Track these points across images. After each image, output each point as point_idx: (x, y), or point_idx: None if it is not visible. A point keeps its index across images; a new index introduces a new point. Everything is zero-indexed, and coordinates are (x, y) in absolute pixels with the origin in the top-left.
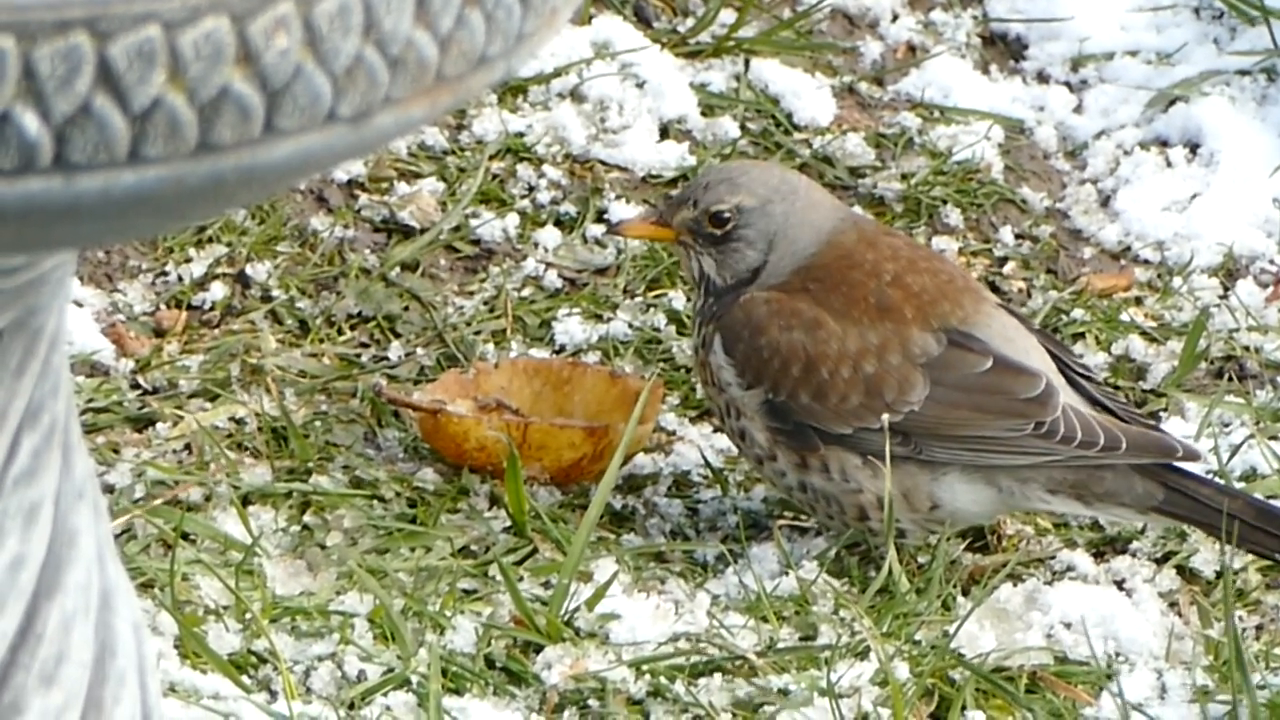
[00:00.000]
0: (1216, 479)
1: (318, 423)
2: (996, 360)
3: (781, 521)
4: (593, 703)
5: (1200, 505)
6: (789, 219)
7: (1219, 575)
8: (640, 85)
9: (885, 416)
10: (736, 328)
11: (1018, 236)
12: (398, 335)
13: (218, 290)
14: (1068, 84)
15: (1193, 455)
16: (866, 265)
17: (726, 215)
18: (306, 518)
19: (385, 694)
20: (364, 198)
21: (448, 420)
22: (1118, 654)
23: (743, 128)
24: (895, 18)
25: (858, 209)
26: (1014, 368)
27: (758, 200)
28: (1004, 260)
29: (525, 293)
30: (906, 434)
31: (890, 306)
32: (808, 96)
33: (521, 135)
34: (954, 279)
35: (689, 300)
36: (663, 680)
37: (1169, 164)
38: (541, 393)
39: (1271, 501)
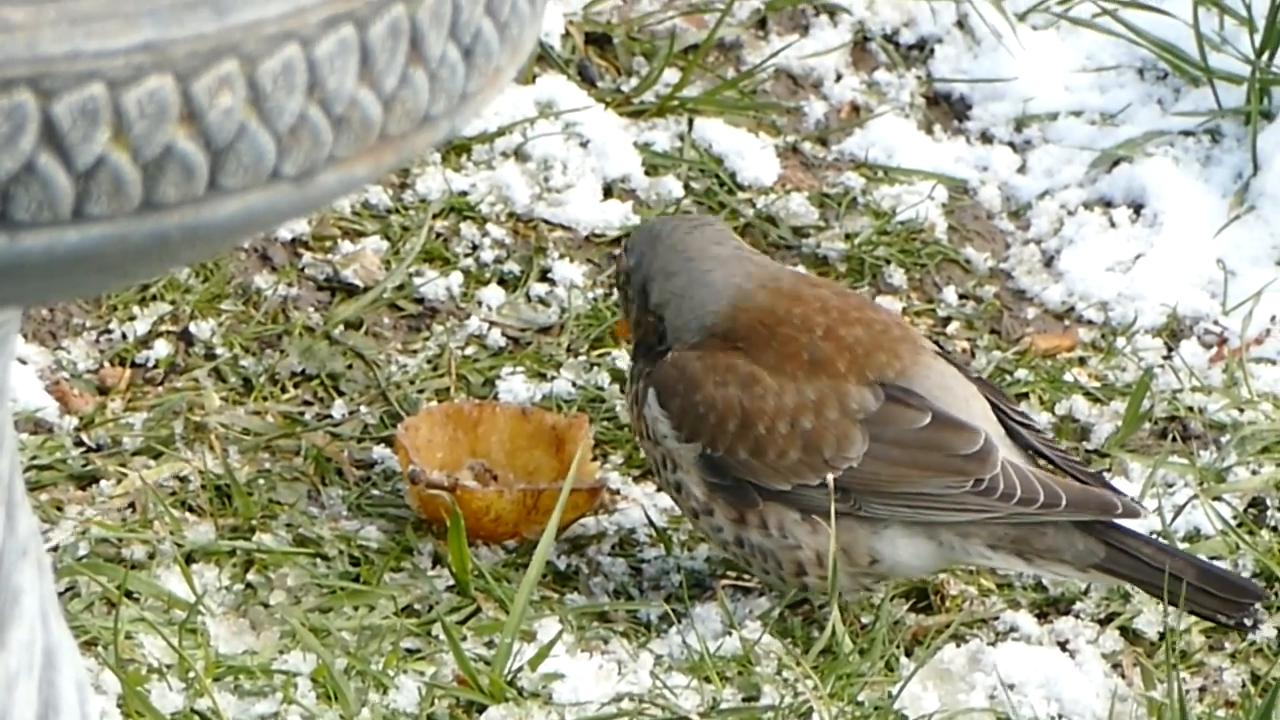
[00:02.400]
0: (1159, 538)
1: (261, 481)
2: (935, 415)
3: (725, 581)
4: None
5: (1141, 564)
6: (672, 280)
7: (1162, 637)
8: (584, 144)
9: (830, 477)
10: (670, 382)
11: (961, 296)
12: (341, 393)
13: (161, 348)
14: (1011, 144)
15: (1133, 512)
16: (795, 320)
17: (620, 273)
18: (250, 576)
19: None
20: (307, 256)
21: (470, 496)
22: (1061, 715)
23: (686, 187)
24: (839, 78)
25: (801, 268)
26: (952, 423)
27: (635, 260)
28: (948, 320)
29: (469, 351)
30: (846, 490)
31: (823, 360)
32: (751, 156)
33: (465, 194)
34: (889, 328)
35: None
36: None
37: (1113, 224)
38: (456, 438)
39: (1213, 562)
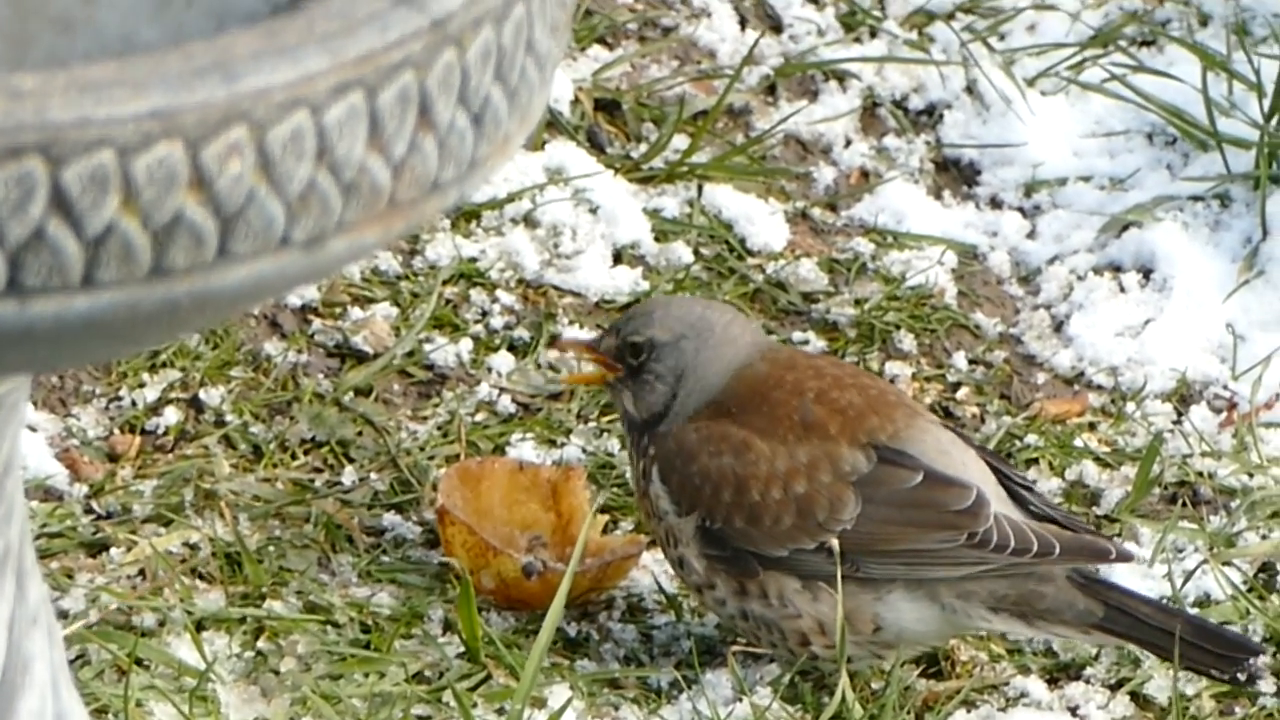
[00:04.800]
0: (1167, 601)
1: (271, 548)
2: (927, 474)
3: (736, 647)
4: None
5: (1139, 622)
6: (699, 355)
7: (1173, 702)
8: (593, 210)
9: (835, 544)
10: (670, 457)
11: (971, 362)
12: (351, 460)
13: (171, 415)
14: (1021, 209)
15: (1125, 556)
16: (787, 385)
17: (641, 347)
18: (260, 643)
19: None
20: (317, 322)
21: (558, 577)
22: None
23: (696, 253)
24: (848, 143)
25: (810, 334)
26: (944, 480)
27: (671, 335)
28: (957, 386)
29: (479, 418)
30: (842, 552)
31: (815, 423)
32: (761, 222)
33: (475, 260)
34: (884, 394)
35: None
36: None
37: (1122, 289)
38: (467, 497)
39: (1209, 619)
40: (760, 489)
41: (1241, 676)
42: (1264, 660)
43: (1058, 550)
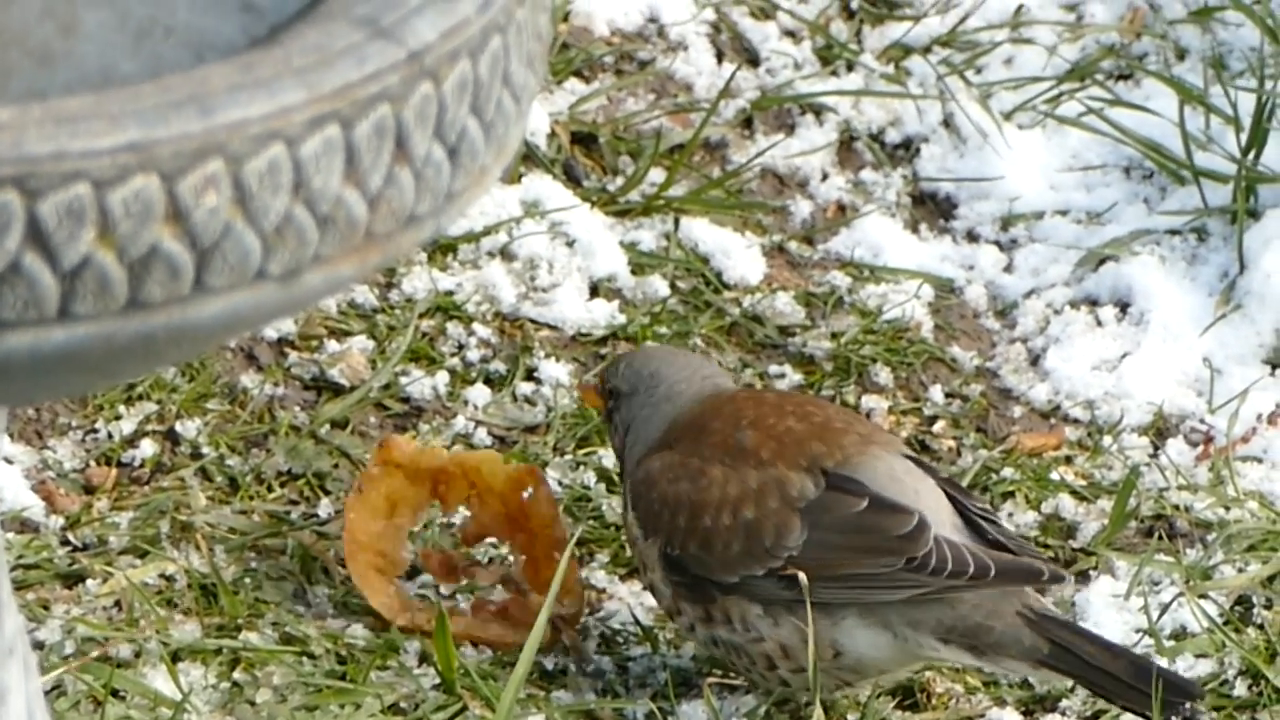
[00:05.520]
0: (1138, 632)
1: (247, 579)
2: (872, 500)
3: (711, 679)
4: None
5: (1082, 661)
6: (642, 410)
7: None
8: (570, 244)
9: (804, 577)
10: (638, 485)
11: (947, 395)
12: (327, 492)
13: (147, 447)
14: (998, 243)
15: (1057, 578)
16: (725, 414)
17: (610, 394)
18: (236, 674)
19: None
20: (294, 355)
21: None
22: None
23: (672, 286)
24: (825, 177)
25: (787, 367)
26: (889, 506)
27: (628, 388)
28: (934, 419)
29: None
30: (792, 578)
31: (747, 448)
32: (737, 255)
33: (451, 293)
34: (830, 421)
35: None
36: None
37: (1099, 323)
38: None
39: (1154, 660)
40: (712, 515)
41: None
42: (1202, 704)
43: (993, 573)
